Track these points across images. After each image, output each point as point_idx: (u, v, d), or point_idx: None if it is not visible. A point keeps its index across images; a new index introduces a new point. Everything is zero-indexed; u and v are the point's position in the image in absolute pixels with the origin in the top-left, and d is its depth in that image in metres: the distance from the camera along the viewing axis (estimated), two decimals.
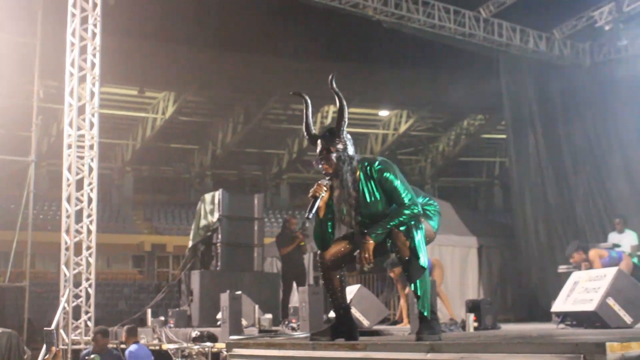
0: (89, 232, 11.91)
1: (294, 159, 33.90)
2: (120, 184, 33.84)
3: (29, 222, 13.76)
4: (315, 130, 5.12)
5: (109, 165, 32.17)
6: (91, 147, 12.06)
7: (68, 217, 11.77)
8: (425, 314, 4.69)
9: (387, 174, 4.81)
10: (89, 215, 11.94)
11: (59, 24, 12.29)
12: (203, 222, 12.73)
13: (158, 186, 34.68)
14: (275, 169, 35.17)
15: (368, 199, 4.84)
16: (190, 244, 13.16)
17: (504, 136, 24.12)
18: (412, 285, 4.73)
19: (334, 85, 5.01)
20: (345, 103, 4.94)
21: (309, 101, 5.14)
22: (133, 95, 28.09)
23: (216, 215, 12.38)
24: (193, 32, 18.20)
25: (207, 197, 12.88)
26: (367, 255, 4.73)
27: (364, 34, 16.76)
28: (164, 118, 29.77)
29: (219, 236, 12.25)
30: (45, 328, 10.81)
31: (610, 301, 6.64)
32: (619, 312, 6.63)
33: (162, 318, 11.64)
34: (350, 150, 4.92)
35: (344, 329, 4.94)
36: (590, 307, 6.71)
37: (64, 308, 11.50)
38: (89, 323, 11.69)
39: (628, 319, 6.63)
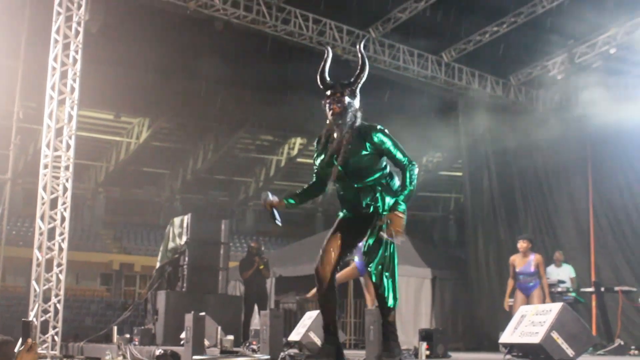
0: (61, 249, 11.76)
1: (260, 187, 33.85)
2: (92, 204, 33.53)
3: (2, 237, 13.57)
4: None
5: (83, 185, 31.89)
6: (67, 168, 11.95)
7: (41, 234, 11.63)
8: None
9: (384, 136, 5.05)
10: (61, 234, 11.80)
11: (41, 48, 12.23)
12: (171, 245, 12.66)
13: (129, 208, 34.42)
14: (242, 196, 35.10)
15: (357, 151, 4.99)
16: (157, 264, 13.08)
17: (460, 174, 24.34)
18: (387, 294, 4.81)
19: (362, 47, 5.39)
20: (367, 63, 5.34)
21: (330, 52, 5.44)
22: (109, 119, 27.94)
23: (184, 238, 12.32)
24: (168, 62, 18.21)
25: (176, 220, 12.83)
26: (399, 229, 4.74)
27: (332, 72, 16.87)
28: (137, 142, 29.61)
29: (186, 258, 12.18)
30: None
31: (555, 335, 6.69)
32: (562, 346, 6.68)
33: (128, 335, 11.49)
34: (357, 105, 5.19)
35: (334, 349, 5.01)
36: (536, 339, 6.75)
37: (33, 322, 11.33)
38: (56, 338, 11.51)
39: (570, 352, 6.68)
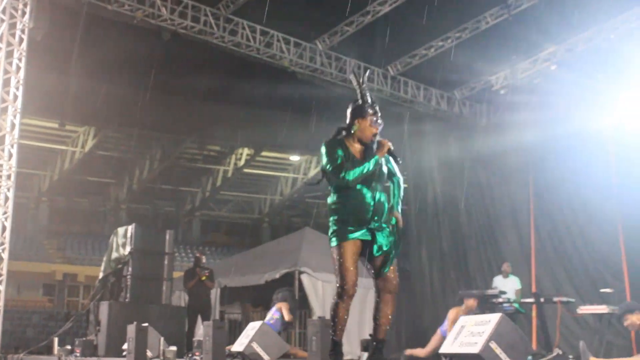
0: (1, 259, 11.57)
1: (206, 197, 33.69)
2: (35, 213, 32.99)
3: None
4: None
5: (26, 195, 31.36)
6: (9, 177, 11.77)
7: None
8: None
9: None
10: (2, 244, 11.61)
11: None
12: (115, 255, 12.54)
13: (73, 217, 33.94)
14: (188, 206, 34.88)
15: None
16: (100, 275, 12.94)
17: (405, 185, 24.49)
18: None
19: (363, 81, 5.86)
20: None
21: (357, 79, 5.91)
22: (54, 128, 27.56)
23: (128, 248, 12.22)
24: (114, 72, 18.04)
25: (120, 230, 12.72)
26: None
27: (280, 84, 16.92)
28: (83, 151, 29.26)
29: (130, 269, 12.08)
30: None
31: (493, 345, 6.78)
32: (501, 356, 6.78)
33: (69, 347, 11.32)
34: None
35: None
36: (475, 349, 6.84)
37: None
38: None
39: None
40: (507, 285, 13.28)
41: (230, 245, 34.15)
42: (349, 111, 5.72)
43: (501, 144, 16.19)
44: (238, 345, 9.00)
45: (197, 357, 9.03)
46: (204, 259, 14.23)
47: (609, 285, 13.15)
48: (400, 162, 5.71)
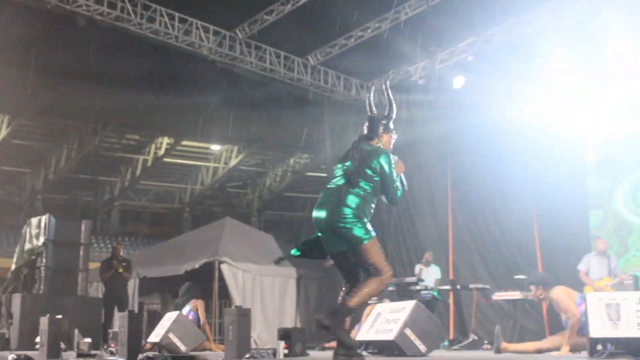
0: None
1: (126, 187, 33.16)
2: None
3: None
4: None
5: None
6: None
7: None
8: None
9: None
10: None
11: None
12: (28, 246, 12.25)
13: None
14: (107, 195, 34.27)
15: None
16: (13, 266, 12.63)
17: (326, 174, 24.62)
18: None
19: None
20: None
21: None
22: None
23: (41, 239, 11.96)
24: (29, 58, 17.55)
25: (34, 221, 12.43)
26: None
27: (199, 72, 16.77)
28: None
29: (44, 260, 11.82)
30: None
31: (408, 331, 6.90)
32: (415, 342, 6.91)
33: None
34: None
35: None
36: (390, 336, 6.95)
37: None
38: None
39: (423, 348, 6.91)
40: (429, 274, 13.49)
41: (151, 235, 33.70)
42: (373, 122, 6.07)
43: (420, 134, 16.38)
44: (154, 336, 8.92)
45: (113, 349, 8.92)
46: (121, 250, 14.03)
47: (524, 272, 13.48)
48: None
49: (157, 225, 35.06)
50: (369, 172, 5.68)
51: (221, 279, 14.56)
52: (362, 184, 5.66)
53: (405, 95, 17.34)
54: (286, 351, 7.33)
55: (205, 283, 13.94)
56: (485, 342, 12.32)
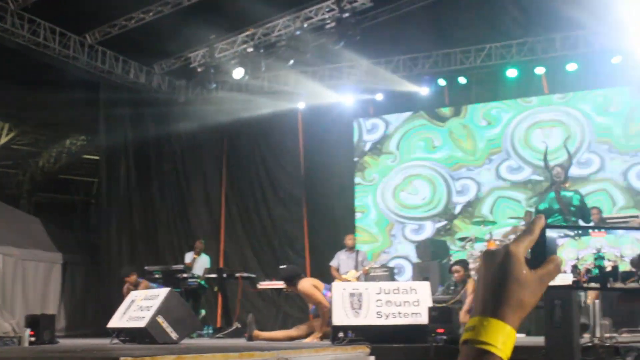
0: None
1: None
2: None
3: None
4: None
5: None
6: None
7: None
8: None
9: None
10: None
11: None
12: None
13: None
14: None
15: None
16: None
17: (97, 157, 24.00)
18: None
19: None
20: None
21: None
22: None
23: None
24: None
25: None
26: None
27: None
28: None
29: None
30: None
31: (160, 319, 6.93)
32: (167, 329, 6.94)
33: None
34: None
35: None
36: (142, 324, 6.94)
37: None
38: None
39: (174, 336, 6.97)
40: (199, 263, 13.59)
41: None
42: None
43: (197, 121, 16.43)
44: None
45: None
46: None
47: (294, 262, 13.97)
48: None
49: None
50: None
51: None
52: None
53: (185, 82, 17.31)
54: (33, 339, 7.11)
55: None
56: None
